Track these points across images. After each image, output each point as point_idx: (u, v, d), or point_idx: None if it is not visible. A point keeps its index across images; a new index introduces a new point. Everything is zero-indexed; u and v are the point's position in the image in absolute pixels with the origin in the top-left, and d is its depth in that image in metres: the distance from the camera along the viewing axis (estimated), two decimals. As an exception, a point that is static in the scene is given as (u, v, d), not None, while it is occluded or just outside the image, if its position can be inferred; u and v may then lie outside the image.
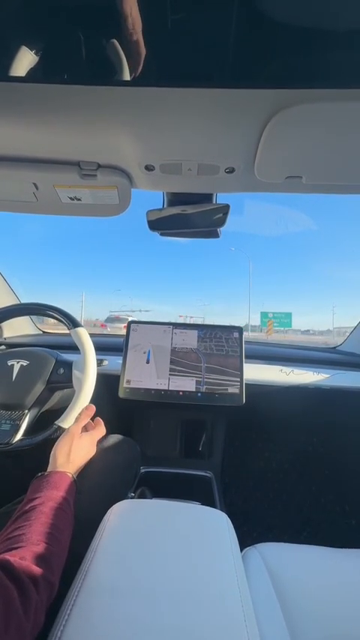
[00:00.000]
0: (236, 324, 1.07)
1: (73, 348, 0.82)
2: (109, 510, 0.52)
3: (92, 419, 0.74)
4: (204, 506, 0.56)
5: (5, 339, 1.25)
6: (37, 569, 0.36)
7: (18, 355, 0.84)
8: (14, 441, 0.72)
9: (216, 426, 1.38)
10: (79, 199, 0.64)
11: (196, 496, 0.97)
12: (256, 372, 1.03)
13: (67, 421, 0.73)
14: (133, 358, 0.99)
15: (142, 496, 0.97)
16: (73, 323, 0.81)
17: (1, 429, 0.74)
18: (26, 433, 0.75)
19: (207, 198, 0.71)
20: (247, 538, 0.61)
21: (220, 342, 1.00)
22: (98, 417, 0.75)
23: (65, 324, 0.82)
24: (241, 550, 0.54)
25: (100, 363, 0.88)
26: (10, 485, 0.71)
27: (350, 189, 0.60)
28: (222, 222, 0.75)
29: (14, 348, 0.92)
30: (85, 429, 0.70)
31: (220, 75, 0.35)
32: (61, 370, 0.82)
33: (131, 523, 0.49)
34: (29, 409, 0.77)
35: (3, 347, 1.16)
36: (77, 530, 0.49)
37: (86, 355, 0.78)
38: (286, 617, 0.48)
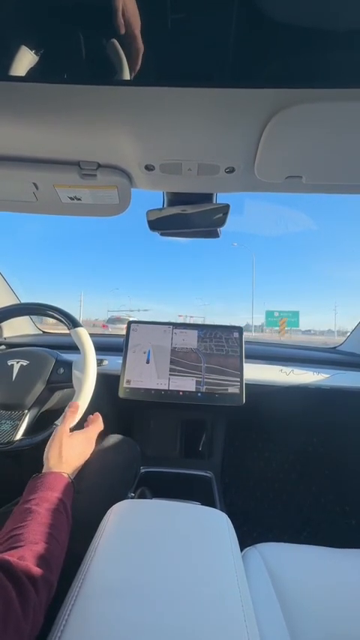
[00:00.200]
0: (238, 324, 1.07)
1: (73, 348, 0.82)
2: (109, 510, 0.52)
3: (86, 416, 0.73)
4: (204, 507, 0.56)
5: (5, 338, 1.25)
6: (36, 569, 0.36)
7: (18, 355, 0.84)
8: (14, 441, 0.72)
9: (216, 426, 1.38)
10: (79, 199, 0.64)
11: (196, 496, 0.96)
12: (256, 372, 1.03)
13: None
14: (133, 358, 0.99)
15: (142, 496, 0.97)
16: (73, 323, 0.81)
17: (1, 429, 0.74)
18: (26, 433, 0.75)
19: (207, 198, 0.71)
20: (247, 538, 0.61)
21: (220, 342, 1.00)
22: (97, 412, 0.75)
23: (65, 324, 0.82)
24: (241, 550, 0.54)
25: (100, 363, 0.88)
26: (10, 486, 0.71)
27: (350, 188, 0.60)
28: (222, 222, 0.75)
29: (14, 347, 0.92)
30: (87, 425, 0.70)
31: (220, 74, 0.35)
32: (61, 370, 0.82)
33: (131, 523, 0.49)
34: (29, 409, 0.77)
35: (3, 347, 1.16)
36: (77, 530, 0.49)
37: (86, 355, 0.78)
38: (286, 617, 0.48)
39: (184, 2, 0.31)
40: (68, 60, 0.34)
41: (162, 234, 0.81)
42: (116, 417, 1.03)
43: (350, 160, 0.49)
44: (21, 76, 0.34)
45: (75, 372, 0.80)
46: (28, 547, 0.39)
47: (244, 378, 0.96)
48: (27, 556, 0.37)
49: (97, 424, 0.71)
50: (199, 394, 0.95)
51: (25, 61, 0.33)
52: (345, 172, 0.53)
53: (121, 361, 0.99)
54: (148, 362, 0.98)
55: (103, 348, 1.02)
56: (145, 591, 0.37)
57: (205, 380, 0.96)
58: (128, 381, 0.96)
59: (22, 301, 1.23)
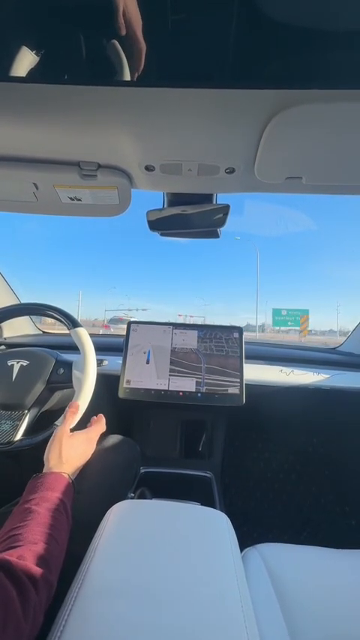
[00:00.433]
0: (238, 324, 1.07)
1: (73, 348, 0.82)
2: (109, 511, 0.52)
3: (88, 417, 0.73)
4: (204, 507, 0.56)
5: (5, 339, 1.25)
6: (36, 569, 0.36)
7: (18, 355, 0.84)
8: (14, 441, 0.72)
9: (216, 426, 1.38)
10: (79, 199, 0.64)
11: (196, 496, 0.96)
12: (256, 373, 1.03)
13: None
14: (133, 358, 0.99)
15: (141, 496, 0.97)
16: (73, 323, 0.81)
17: (1, 429, 0.74)
18: (26, 433, 0.75)
19: (207, 198, 0.71)
20: (247, 538, 0.61)
21: (220, 343, 1.00)
22: (100, 414, 0.75)
23: (65, 325, 0.82)
24: (241, 550, 0.54)
25: (100, 363, 0.88)
26: (10, 486, 0.71)
27: (350, 189, 0.60)
28: (222, 222, 0.75)
29: (14, 348, 0.92)
30: (90, 426, 0.70)
31: (220, 75, 0.35)
32: (61, 370, 0.82)
33: (131, 524, 0.49)
34: (29, 409, 0.77)
35: (3, 347, 1.16)
36: (77, 530, 0.49)
37: (86, 355, 0.78)
38: (286, 618, 0.48)
39: (184, 3, 0.31)
40: (68, 60, 0.34)
41: (162, 235, 0.81)
42: (116, 418, 1.03)
43: (350, 160, 0.50)
44: (21, 77, 0.34)
45: (75, 372, 0.80)
46: (27, 547, 0.39)
47: (244, 378, 0.96)
48: (26, 556, 0.37)
49: (100, 425, 0.71)
50: (199, 394, 0.95)
51: (25, 61, 0.33)
52: (345, 173, 0.53)
53: (121, 361, 0.99)
54: (148, 362, 0.98)
55: (103, 348, 1.02)
56: (145, 591, 0.37)
57: (205, 380, 0.96)
58: (128, 382, 0.96)
59: (22, 301, 1.23)
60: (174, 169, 0.56)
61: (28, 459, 0.75)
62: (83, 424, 0.72)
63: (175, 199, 0.72)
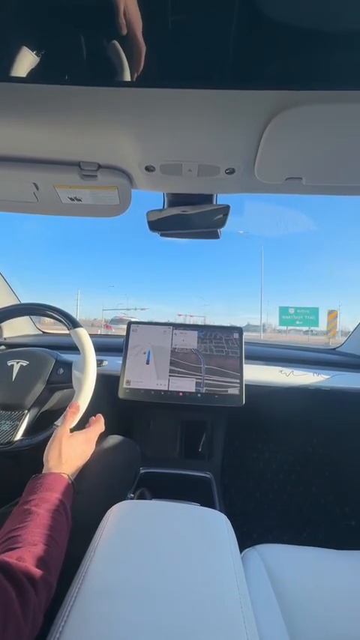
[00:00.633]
0: (239, 324, 1.07)
1: (73, 348, 0.82)
2: (109, 511, 0.52)
3: (88, 417, 0.73)
4: (203, 507, 0.56)
5: (5, 339, 1.25)
6: (35, 570, 0.36)
7: (18, 355, 0.84)
8: (14, 441, 0.72)
9: (216, 426, 1.38)
10: (80, 200, 0.64)
11: (196, 497, 0.96)
12: (256, 373, 1.03)
13: None
14: (132, 359, 0.99)
15: (141, 497, 0.97)
16: (73, 323, 0.81)
17: (0, 429, 0.74)
18: (26, 433, 0.75)
19: (207, 198, 0.71)
20: (246, 539, 0.61)
21: (220, 343, 1.00)
22: (99, 414, 0.75)
23: (65, 325, 0.82)
24: (241, 551, 0.54)
25: (99, 363, 0.88)
26: (10, 486, 0.71)
27: (350, 190, 0.60)
28: (222, 222, 0.75)
29: (14, 348, 0.92)
30: (89, 426, 0.70)
31: (220, 76, 0.35)
32: (61, 370, 0.82)
33: (130, 524, 0.49)
34: (29, 409, 0.77)
35: (3, 347, 1.16)
36: (76, 531, 0.49)
37: (86, 356, 0.78)
38: (286, 619, 0.48)
39: (184, 4, 0.31)
40: (69, 61, 0.34)
41: (162, 235, 0.81)
42: (116, 418, 1.03)
43: (350, 161, 0.50)
44: (22, 77, 0.34)
45: (75, 373, 0.80)
46: (26, 548, 0.39)
47: (244, 379, 0.96)
48: (26, 557, 0.37)
49: (99, 425, 0.71)
50: (199, 395, 0.95)
51: (26, 62, 0.33)
52: (345, 174, 0.53)
53: (120, 362, 0.99)
54: (147, 363, 0.98)
55: (103, 348, 1.02)
56: (145, 592, 0.37)
57: (205, 381, 0.96)
58: (128, 382, 0.96)
59: (22, 301, 1.23)
60: (174, 170, 0.56)
61: (28, 460, 0.75)
62: (83, 424, 0.72)
63: (175, 200, 0.72)
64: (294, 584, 0.54)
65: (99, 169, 0.57)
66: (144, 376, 0.97)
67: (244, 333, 1.04)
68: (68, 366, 0.82)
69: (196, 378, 0.96)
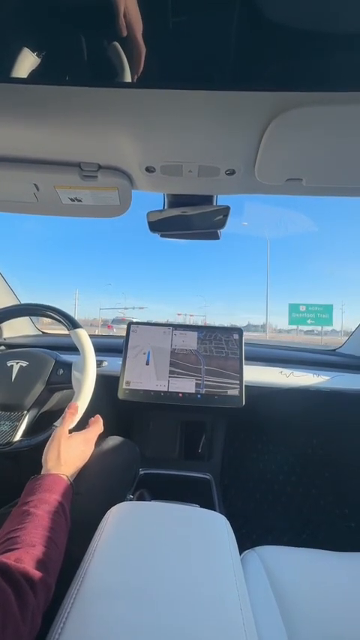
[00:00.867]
0: (240, 324, 1.07)
1: (73, 348, 0.82)
2: (108, 512, 0.52)
3: (88, 418, 0.73)
4: (203, 509, 0.56)
5: (5, 339, 1.25)
6: (34, 572, 0.36)
7: (17, 356, 0.84)
8: (13, 442, 0.72)
9: (216, 427, 1.38)
10: (80, 200, 0.64)
11: (196, 498, 0.96)
12: (256, 374, 1.02)
13: None
14: (132, 359, 0.98)
15: (141, 498, 0.97)
16: (72, 324, 0.81)
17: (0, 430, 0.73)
18: (25, 434, 0.74)
19: (207, 199, 0.71)
20: (246, 541, 0.61)
21: (220, 344, 1.00)
22: (97, 415, 0.75)
23: (65, 325, 0.82)
24: (241, 553, 0.54)
25: (99, 364, 0.88)
26: (9, 487, 0.71)
27: (350, 191, 0.60)
28: (222, 223, 0.75)
29: (14, 348, 0.92)
30: (88, 427, 0.70)
31: (220, 77, 0.35)
32: (61, 371, 0.82)
33: (130, 525, 0.49)
34: (28, 410, 0.77)
35: (2, 347, 1.16)
36: (75, 532, 0.49)
37: (86, 356, 0.78)
38: (285, 621, 0.48)
39: (185, 5, 0.32)
40: (70, 62, 0.34)
41: (162, 236, 0.81)
42: (116, 419, 1.03)
43: (350, 162, 0.50)
44: (23, 78, 0.34)
45: (74, 373, 0.80)
46: (25, 549, 0.39)
47: (244, 379, 0.96)
48: (24, 558, 0.37)
49: (98, 426, 0.71)
50: (199, 396, 0.95)
51: (26, 62, 0.33)
52: (345, 175, 0.53)
53: (120, 362, 0.99)
54: (147, 363, 0.98)
55: (102, 349, 1.02)
56: (144, 594, 0.37)
57: (205, 382, 0.96)
58: (128, 383, 0.96)
59: (22, 301, 1.23)
60: (174, 171, 0.56)
61: (27, 460, 0.74)
62: (83, 425, 0.71)
63: (176, 200, 0.72)
64: (293, 585, 0.54)
65: (99, 170, 0.57)
66: (144, 377, 0.97)
67: (245, 333, 1.04)
68: (68, 366, 0.82)
69: (196, 379, 0.96)
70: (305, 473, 1.38)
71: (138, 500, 0.94)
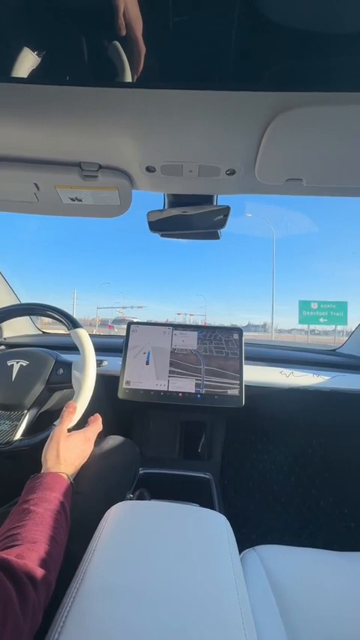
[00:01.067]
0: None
1: (73, 348, 0.82)
2: (108, 512, 0.52)
3: (87, 417, 0.73)
4: (203, 508, 0.56)
5: (5, 339, 1.26)
6: (34, 568, 0.36)
7: (18, 355, 0.84)
8: (13, 441, 0.72)
9: (215, 427, 1.38)
10: (80, 200, 0.64)
11: (195, 498, 0.96)
12: (256, 374, 1.03)
13: None
14: (132, 359, 0.99)
15: (140, 497, 0.97)
16: (73, 324, 0.81)
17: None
18: (25, 433, 0.75)
19: (208, 199, 0.71)
20: (246, 540, 0.61)
21: (220, 344, 1.00)
22: (96, 414, 0.75)
23: (65, 325, 0.82)
24: (240, 552, 0.54)
25: (99, 363, 0.88)
26: (9, 486, 0.71)
27: (350, 191, 0.60)
28: (222, 223, 0.75)
29: (14, 348, 0.92)
30: (87, 425, 0.70)
31: (221, 77, 0.35)
32: (61, 371, 0.82)
33: (130, 525, 0.49)
34: (28, 409, 0.77)
35: (3, 347, 1.16)
36: (75, 531, 0.49)
37: (86, 356, 0.78)
38: (285, 620, 0.48)
39: (185, 5, 0.32)
40: (70, 62, 0.34)
41: (162, 236, 0.82)
42: (116, 418, 1.03)
43: (350, 162, 0.50)
44: (23, 78, 0.34)
45: (74, 373, 0.80)
46: (26, 546, 0.39)
47: (244, 379, 0.96)
48: (25, 555, 0.37)
49: (97, 424, 0.71)
50: (199, 396, 0.95)
51: (27, 62, 0.34)
52: (345, 175, 0.53)
53: (120, 362, 0.99)
54: (147, 363, 0.98)
55: (102, 348, 1.02)
56: (143, 593, 0.37)
57: (205, 382, 0.96)
58: (128, 382, 0.96)
59: (22, 301, 1.23)
60: (175, 170, 0.56)
61: (27, 460, 0.75)
62: (83, 425, 0.72)
63: (176, 200, 0.72)
64: (293, 585, 0.54)
65: (100, 170, 0.57)
66: (144, 377, 0.97)
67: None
68: (68, 366, 0.82)
69: (196, 379, 0.96)
70: (305, 473, 1.38)
71: (138, 499, 0.94)
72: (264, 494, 1.33)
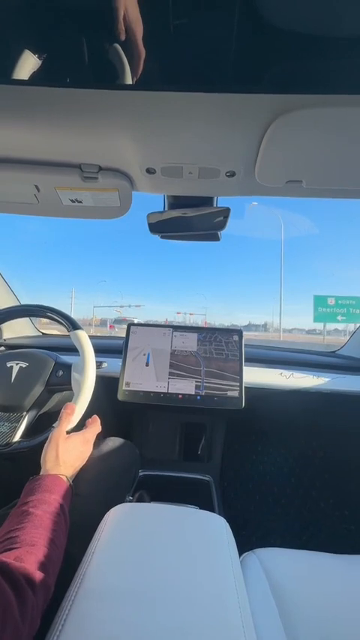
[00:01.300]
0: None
1: (73, 350, 0.82)
2: (107, 514, 0.51)
3: (85, 419, 0.73)
4: (203, 511, 0.56)
5: (5, 340, 1.25)
6: (33, 571, 0.36)
7: (17, 357, 0.84)
8: (12, 443, 0.72)
9: (215, 429, 1.37)
10: (80, 201, 0.64)
11: (195, 500, 0.96)
12: (256, 376, 1.02)
13: None
14: (132, 361, 0.98)
15: (140, 500, 0.97)
16: (72, 325, 0.81)
17: (-1, 431, 0.73)
18: (24, 435, 0.74)
19: (208, 201, 0.72)
20: (246, 542, 0.60)
21: (220, 346, 1.00)
22: (95, 415, 0.74)
23: (65, 326, 0.82)
24: (240, 555, 0.54)
25: (99, 365, 0.88)
26: (8, 488, 0.71)
27: (350, 193, 0.60)
28: (222, 225, 0.76)
29: (14, 349, 0.92)
30: (86, 427, 0.70)
31: (221, 79, 0.35)
32: (60, 372, 0.82)
33: (129, 527, 0.49)
34: (28, 411, 0.77)
35: (2, 348, 1.16)
36: (74, 533, 0.49)
37: (85, 357, 0.78)
38: (284, 623, 0.48)
39: (186, 7, 0.32)
40: (71, 64, 0.35)
41: (162, 237, 0.82)
42: (115, 420, 1.03)
43: (350, 164, 0.50)
44: (24, 80, 0.34)
45: (74, 375, 0.80)
46: (25, 549, 0.39)
47: (244, 381, 0.96)
48: (24, 557, 0.37)
49: (95, 426, 0.70)
50: (199, 397, 0.95)
51: (27, 64, 0.34)
52: (345, 177, 0.53)
53: (120, 363, 0.99)
54: (147, 365, 0.98)
55: (102, 350, 1.02)
56: (143, 595, 0.37)
57: (205, 383, 0.96)
58: (127, 384, 0.96)
59: (22, 302, 1.23)
60: (175, 172, 0.56)
61: (26, 462, 0.74)
62: (83, 427, 0.71)
63: (176, 202, 0.73)
64: (293, 587, 0.53)
65: (100, 171, 0.57)
66: (143, 378, 0.97)
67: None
68: (67, 367, 0.82)
69: (196, 381, 0.96)
70: (305, 475, 1.38)
71: (137, 501, 0.94)
72: (264, 496, 1.33)
